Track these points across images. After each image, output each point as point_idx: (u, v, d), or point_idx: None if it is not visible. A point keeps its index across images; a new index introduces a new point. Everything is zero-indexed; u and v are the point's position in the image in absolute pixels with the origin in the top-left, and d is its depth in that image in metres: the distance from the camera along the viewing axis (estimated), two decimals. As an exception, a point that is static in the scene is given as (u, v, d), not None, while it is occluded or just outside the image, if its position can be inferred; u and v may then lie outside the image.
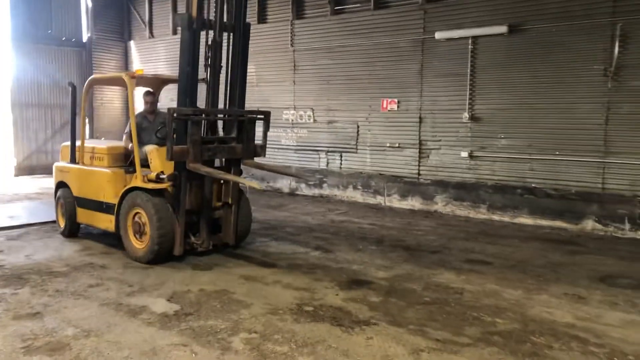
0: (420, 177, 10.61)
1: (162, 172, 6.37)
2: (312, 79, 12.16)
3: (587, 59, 8.63)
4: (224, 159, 6.90)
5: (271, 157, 8.43)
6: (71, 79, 14.95)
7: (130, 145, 6.93)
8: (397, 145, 10.88)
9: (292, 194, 12.48)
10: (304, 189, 12.35)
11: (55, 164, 8.07)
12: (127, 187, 6.59)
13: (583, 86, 8.70)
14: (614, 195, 8.50)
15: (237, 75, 6.69)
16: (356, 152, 11.54)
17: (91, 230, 7.79)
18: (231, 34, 6.64)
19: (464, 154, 9.95)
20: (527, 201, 9.27)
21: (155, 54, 15.96)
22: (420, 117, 10.53)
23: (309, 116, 12.23)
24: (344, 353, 4.07)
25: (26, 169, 15.05)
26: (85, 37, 16.26)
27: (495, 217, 9.60)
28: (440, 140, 10.33)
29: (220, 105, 6.73)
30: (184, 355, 4.01)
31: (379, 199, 11.13)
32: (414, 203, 10.63)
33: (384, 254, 7.08)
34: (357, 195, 11.46)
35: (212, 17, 6.48)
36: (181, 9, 14.89)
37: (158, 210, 6.19)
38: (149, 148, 6.74)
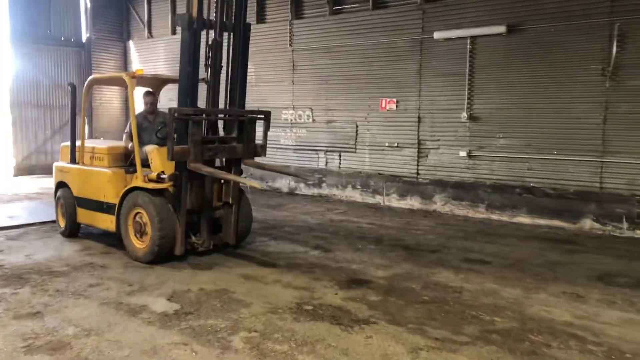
0: (419, 176, 10.64)
1: (163, 172, 6.38)
2: (310, 78, 12.18)
3: (585, 58, 8.66)
4: (224, 159, 6.91)
5: (270, 157, 8.47)
6: (70, 79, 15.08)
7: (130, 144, 6.95)
8: (395, 144, 10.91)
9: (291, 193, 12.50)
10: (303, 189, 12.37)
11: (55, 164, 8.07)
12: (128, 187, 6.60)
13: (581, 86, 8.73)
14: (611, 194, 8.53)
15: (238, 75, 6.70)
16: (355, 152, 11.56)
17: (91, 230, 7.80)
18: (231, 34, 6.64)
19: (463, 154, 9.98)
20: (526, 200, 9.30)
21: (154, 54, 15.97)
22: (418, 117, 10.56)
23: (308, 116, 12.25)
24: (343, 352, 4.09)
25: (26, 169, 15.06)
26: (84, 37, 16.28)
27: (494, 217, 9.63)
28: (438, 140, 10.35)
29: (221, 105, 6.75)
30: (184, 354, 4.03)
31: (378, 199, 11.15)
32: (412, 202, 10.65)
33: (383, 253, 7.10)
34: (356, 195, 11.48)
35: (212, 17, 6.49)
36: (180, 9, 14.90)
37: (159, 212, 6.21)
38: (150, 148, 6.76)
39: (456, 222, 9.44)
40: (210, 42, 6.43)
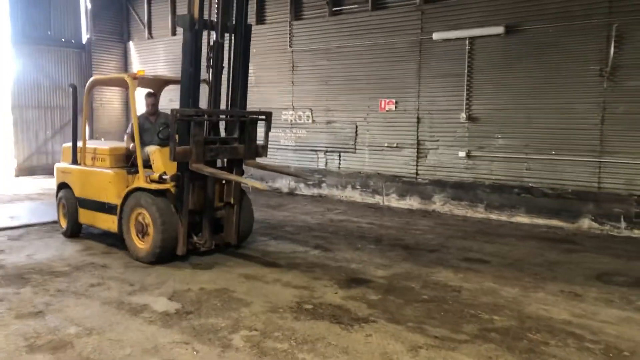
0: (418, 176, 10.67)
1: (165, 173, 6.41)
2: (310, 79, 12.22)
3: (583, 59, 8.70)
4: (225, 160, 6.94)
5: (270, 157, 8.51)
6: (71, 80, 15.14)
7: (131, 145, 6.98)
8: (395, 145, 10.95)
9: (291, 193, 12.54)
10: (303, 189, 12.40)
11: (57, 165, 8.10)
12: (130, 187, 6.63)
13: (579, 86, 8.77)
14: (609, 194, 8.57)
15: (239, 76, 6.72)
16: (355, 152, 11.60)
17: (92, 230, 7.83)
18: (232, 35, 6.67)
19: (462, 154, 10.01)
20: (524, 200, 9.34)
21: (154, 55, 16.00)
22: (418, 118, 10.59)
23: (308, 116, 12.29)
24: (343, 350, 4.12)
25: (26, 170, 15.10)
26: (84, 38, 16.31)
27: (493, 216, 9.67)
28: (438, 140, 10.39)
29: (222, 106, 6.78)
30: (185, 353, 4.06)
31: (378, 199, 11.19)
32: (412, 202, 10.69)
33: (383, 253, 7.14)
34: (356, 195, 11.52)
35: (213, 18, 6.53)
36: (180, 10, 14.95)
37: (162, 214, 6.23)
38: (152, 149, 6.79)
39: (455, 221, 9.48)
40: (211, 43, 6.46)
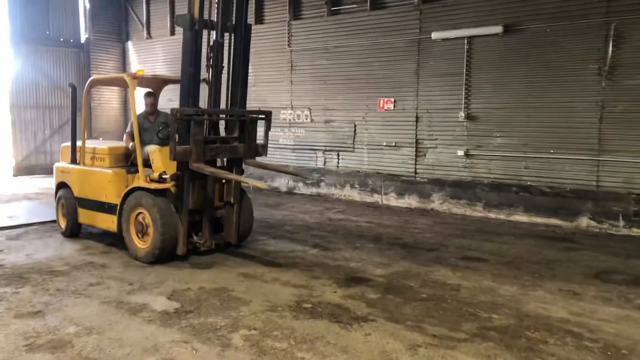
0: (417, 175, 10.69)
1: (165, 172, 6.41)
2: (309, 79, 12.23)
3: (581, 58, 8.72)
4: (225, 159, 6.94)
5: (269, 157, 8.46)
6: (69, 80, 15.11)
7: (131, 144, 6.98)
8: (394, 144, 10.96)
9: (289, 192, 12.54)
10: (302, 188, 12.41)
11: (56, 165, 8.09)
12: (130, 187, 6.63)
13: (577, 85, 8.79)
14: (608, 192, 8.59)
15: (239, 75, 6.72)
16: (353, 151, 11.61)
17: (90, 230, 7.83)
18: (232, 34, 6.67)
19: (460, 153, 10.03)
20: (523, 199, 9.36)
21: (153, 55, 16.00)
22: (416, 117, 10.61)
23: (307, 116, 12.30)
24: (342, 349, 4.13)
25: (25, 169, 15.09)
26: (83, 38, 16.31)
27: (491, 215, 9.69)
28: (436, 139, 10.40)
29: (222, 106, 6.79)
30: (184, 352, 4.06)
31: (376, 198, 11.20)
32: (410, 201, 10.70)
33: (382, 252, 7.15)
34: (355, 194, 11.53)
35: (213, 18, 6.53)
36: (178, 9, 14.95)
37: (163, 214, 6.23)
38: (151, 148, 6.79)
39: (454, 220, 9.49)
40: (211, 43, 6.46)
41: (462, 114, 9.91)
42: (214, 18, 6.52)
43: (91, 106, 16.01)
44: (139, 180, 6.53)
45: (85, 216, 7.44)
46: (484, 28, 9.51)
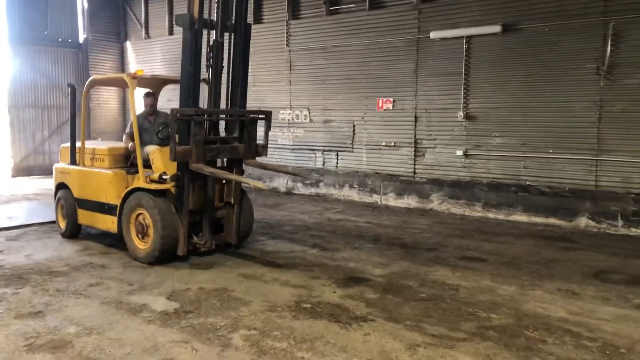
0: (415, 175, 10.70)
1: (165, 173, 6.40)
2: (308, 78, 12.23)
3: (579, 58, 8.74)
4: (225, 159, 6.94)
5: (268, 157, 8.47)
6: (68, 80, 15.12)
7: (131, 145, 6.98)
8: (392, 144, 10.97)
9: (288, 193, 12.55)
10: (301, 188, 12.42)
11: (55, 166, 8.08)
12: (130, 187, 6.63)
13: (576, 85, 8.81)
14: (607, 192, 8.61)
15: (239, 75, 6.72)
16: (352, 151, 11.62)
17: (90, 231, 7.83)
18: (232, 34, 6.67)
19: (459, 153, 10.04)
20: (522, 199, 9.37)
21: (151, 55, 16.00)
22: (415, 116, 10.62)
23: (305, 116, 12.30)
24: (342, 348, 4.14)
25: (24, 170, 15.08)
26: (81, 38, 16.30)
27: (490, 215, 9.70)
28: (435, 139, 10.42)
29: (222, 106, 6.79)
30: (184, 352, 4.07)
31: (375, 198, 11.21)
32: (409, 201, 10.71)
33: (381, 252, 7.16)
34: (354, 194, 11.54)
35: (213, 18, 6.53)
36: (177, 9, 14.95)
37: (163, 215, 6.23)
38: (151, 149, 6.79)
39: (453, 220, 9.51)
40: (211, 43, 6.46)
41: (460, 113, 9.92)
42: (214, 17, 6.52)
43: (90, 106, 16.00)
44: (139, 181, 6.53)
45: (85, 217, 7.44)
46: (483, 27, 9.52)
